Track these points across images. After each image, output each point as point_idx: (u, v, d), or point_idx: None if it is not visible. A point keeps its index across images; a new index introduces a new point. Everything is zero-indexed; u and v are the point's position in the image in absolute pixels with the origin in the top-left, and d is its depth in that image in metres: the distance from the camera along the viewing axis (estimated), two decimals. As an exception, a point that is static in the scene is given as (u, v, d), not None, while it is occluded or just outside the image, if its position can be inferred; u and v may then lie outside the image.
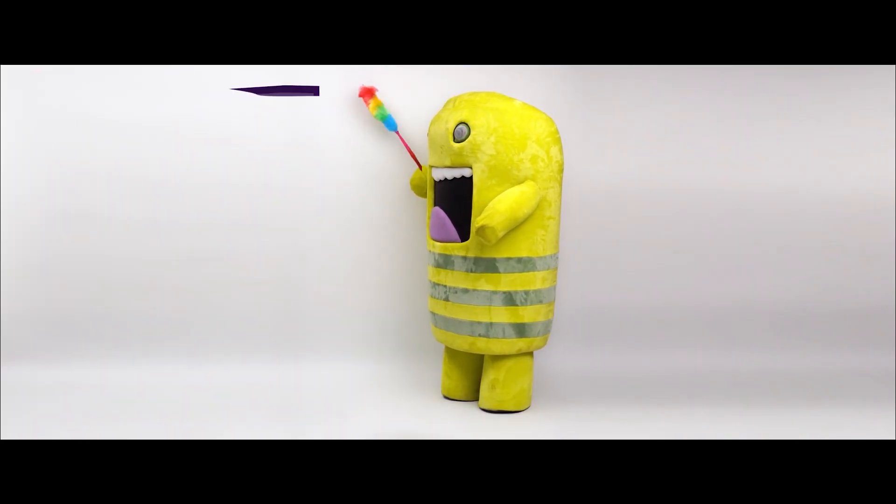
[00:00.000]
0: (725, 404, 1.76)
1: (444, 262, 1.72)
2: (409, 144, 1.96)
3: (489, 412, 1.73)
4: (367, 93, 1.94)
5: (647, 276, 2.11)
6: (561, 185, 1.73)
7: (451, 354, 1.84)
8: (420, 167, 1.93)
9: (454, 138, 1.67)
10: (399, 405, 1.79)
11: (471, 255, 1.66)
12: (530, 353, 1.74)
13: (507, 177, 1.64)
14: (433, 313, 1.80)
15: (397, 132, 1.96)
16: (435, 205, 1.78)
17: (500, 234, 1.59)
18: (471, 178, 1.66)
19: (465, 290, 1.68)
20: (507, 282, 1.66)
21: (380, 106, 1.93)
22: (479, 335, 1.69)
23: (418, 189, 1.93)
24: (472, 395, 1.83)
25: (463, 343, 1.73)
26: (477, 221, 1.59)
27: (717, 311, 2.13)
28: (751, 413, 1.69)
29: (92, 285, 2.01)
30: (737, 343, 2.12)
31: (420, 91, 1.98)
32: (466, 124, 1.66)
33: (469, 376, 1.83)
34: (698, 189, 2.10)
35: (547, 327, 1.76)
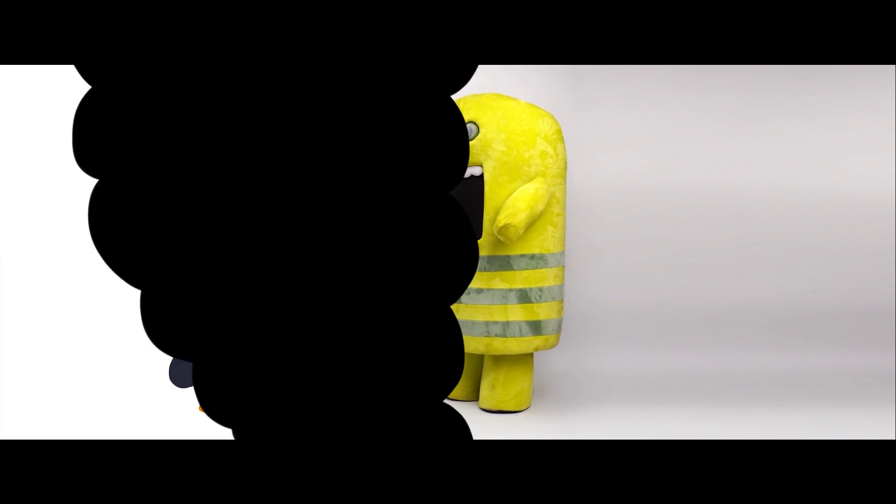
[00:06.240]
0: (725, 404, 1.76)
1: None
2: None
3: (489, 412, 1.72)
4: None
5: (647, 276, 2.11)
6: (565, 182, 1.74)
7: (451, 354, 1.84)
8: None
9: None
10: (399, 405, 1.79)
11: (484, 253, 1.66)
12: (530, 354, 1.74)
13: (517, 173, 1.64)
14: None
15: None
16: None
17: (522, 231, 1.60)
18: (480, 176, 1.66)
19: (479, 290, 1.67)
20: (522, 279, 1.66)
21: None
22: (496, 335, 1.67)
23: None
24: (472, 395, 1.82)
25: (478, 345, 1.70)
26: (500, 220, 1.59)
27: (717, 311, 2.13)
28: (751, 413, 1.69)
29: (92, 285, 2.01)
30: (737, 343, 2.12)
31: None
32: (475, 123, 1.66)
33: (469, 376, 1.82)
34: (698, 189, 2.11)
35: (559, 325, 1.76)
